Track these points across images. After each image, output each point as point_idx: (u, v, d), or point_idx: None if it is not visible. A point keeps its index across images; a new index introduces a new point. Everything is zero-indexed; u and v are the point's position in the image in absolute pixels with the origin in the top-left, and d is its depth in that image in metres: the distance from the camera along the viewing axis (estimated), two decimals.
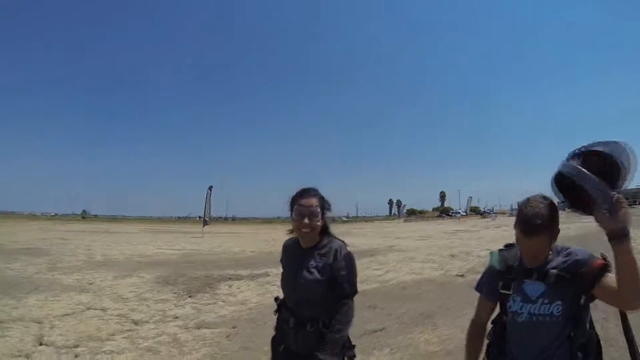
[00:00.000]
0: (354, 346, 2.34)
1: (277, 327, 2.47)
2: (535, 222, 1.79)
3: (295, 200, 2.34)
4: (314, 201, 2.31)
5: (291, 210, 2.35)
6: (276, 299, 2.53)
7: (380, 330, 5.87)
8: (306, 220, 2.26)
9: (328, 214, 2.42)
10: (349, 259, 2.33)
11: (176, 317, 6.73)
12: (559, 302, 1.83)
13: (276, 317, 2.50)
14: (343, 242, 2.41)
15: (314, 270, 2.28)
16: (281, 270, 2.52)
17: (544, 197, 1.90)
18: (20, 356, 4.96)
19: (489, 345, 2.20)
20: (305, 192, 2.35)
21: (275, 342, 2.45)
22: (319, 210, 2.30)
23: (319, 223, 2.31)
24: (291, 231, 2.47)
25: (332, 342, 2.15)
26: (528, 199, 1.91)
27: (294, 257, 2.40)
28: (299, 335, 2.27)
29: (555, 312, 1.84)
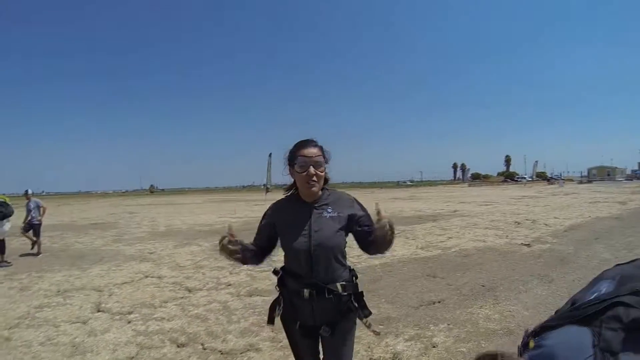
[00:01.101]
0: (370, 312, 2.19)
1: (285, 303, 2.21)
2: None
3: (295, 153, 2.15)
4: (316, 150, 2.14)
5: (291, 164, 2.17)
6: (276, 271, 2.27)
7: (439, 302, 5.59)
8: (312, 170, 2.09)
9: (327, 168, 2.23)
10: (359, 202, 2.28)
11: (229, 285, 6.77)
12: None
13: (279, 291, 2.26)
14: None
15: (329, 220, 2.13)
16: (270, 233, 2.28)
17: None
18: (77, 322, 5.14)
19: None
20: (305, 143, 2.16)
21: (287, 320, 2.24)
22: (322, 159, 2.15)
23: (323, 173, 2.16)
24: (291, 188, 2.29)
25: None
26: None
27: (298, 213, 2.17)
28: (318, 306, 2.09)
29: None
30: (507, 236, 11.23)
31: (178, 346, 4.33)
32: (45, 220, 11.71)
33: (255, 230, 2.32)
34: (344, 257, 2.19)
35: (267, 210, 2.32)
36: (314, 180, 2.11)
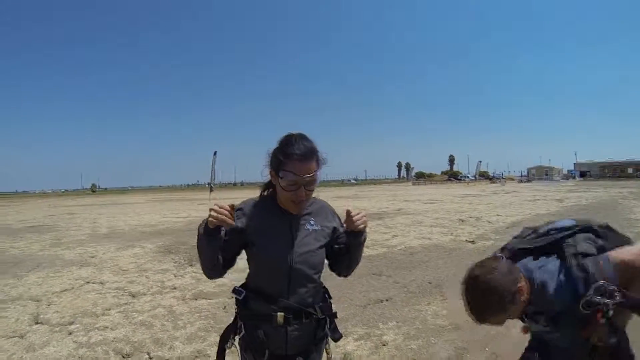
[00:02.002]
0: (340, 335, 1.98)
1: (248, 330, 1.82)
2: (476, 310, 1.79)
3: (287, 163, 1.71)
4: (313, 165, 1.74)
5: (277, 170, 1.75)
6: (237, 290, 1.86)
7: (386, 300, 5.68)
8: (302, 193, 1.74)
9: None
10: (338, 216, 2.02)
11: (174, 288, 6.61)
12: None
13: (238, 314, 1.88)
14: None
15: (313, 234, 1.85)
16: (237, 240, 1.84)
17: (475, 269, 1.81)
18: (14, 336, 4.83)
19: None
20: (302, 155, 1.71)
21: (250, 350, 1.84)
22: (318, 175, 1.78)
23: (313, 190, 1.81)
24: (267, 188, 1.92)
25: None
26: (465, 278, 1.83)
27: (276, 221, 1.82)
28: (292, 333, 1.78)
29: None
30: (452, 233, 11.56)
31: (123, 357, 4.18)
32: None
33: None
34: (320, 276, 1.91)
35: (237, 209, 1.84)
36: (301, 201, 1.78)
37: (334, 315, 1.94)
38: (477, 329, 4.43)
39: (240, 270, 2.08)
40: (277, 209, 1.84)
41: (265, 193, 1.93)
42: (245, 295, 1.83)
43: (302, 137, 1.76)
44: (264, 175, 1.88)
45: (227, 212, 1.64)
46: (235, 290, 1.87)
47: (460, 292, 1.80)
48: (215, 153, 25.82)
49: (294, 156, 1.69)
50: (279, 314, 1.75)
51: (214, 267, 1.81)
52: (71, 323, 5.18)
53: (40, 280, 7.61)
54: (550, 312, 1.74)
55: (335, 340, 1.94)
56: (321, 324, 1.86)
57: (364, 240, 1.90)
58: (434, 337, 4.34)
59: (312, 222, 1.87)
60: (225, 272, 1.88)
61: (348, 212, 1.80)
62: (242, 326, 1.84)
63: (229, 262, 1.87)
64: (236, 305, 1.88)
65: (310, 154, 1.73)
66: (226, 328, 1.94)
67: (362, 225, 1.81)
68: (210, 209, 1.66)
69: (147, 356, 4.17)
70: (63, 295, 6.53)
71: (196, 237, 1.75)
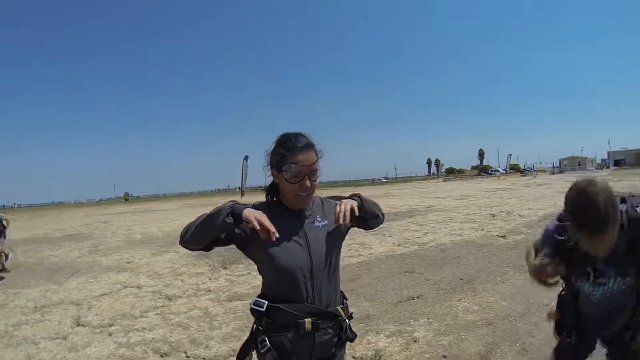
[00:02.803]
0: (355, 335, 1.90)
1: (273, 343, 1.70)
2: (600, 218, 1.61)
3: (289, 156, 1.72)
4: (314, 155, 1.75)
5: (278, 166, 1.75)
6: (258, 303, 1.73)
7: (418, 297, 5.69)
8: (307, 183, 1.72)
9: None
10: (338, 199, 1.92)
11: (209, 291, 6.76)
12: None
13: (261, 326, 1.75)
14: None
15: (324, 231, 1.81)
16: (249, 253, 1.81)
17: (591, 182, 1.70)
18: (57, 338, 5.07)
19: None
20: (299, 144, 1.74)
21: None
22: (319, 165, 1.78)
23: (317, 181, 1.79)
24: (271, 191, 1.87)
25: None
26: (580, 190, 1.71)
27: (286, 222, 1.74)
28: (319, 339, 1.72)
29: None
30: (482, 229, 11.42)
31: (161, 356, 4.33)
32: (18, 234, 11.49)
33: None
34: (339, 274, 1.88)
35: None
36: (307, 192, 1.75)
37: (351, 316, 1.89)
38: (508, 324, 4.45)
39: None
40: (284, 210, 1.79)
41: (269, 197, 1.89)
42: (267, 307, 1.72)
43: (298, 133, 1.80)
44: (268, 176, 1.86)
45: (269, 228, 1.61)
46: (256, 303, 1.75)
47: (573, 207, 1.74)
48: (246, 158, 26.01)
49: (295, 148, 1.72)
50: (306, 319, 1.68)
51: (200, 242, 1.73)
52: (111, 325, 5.39)
53: (80, 286, 7.89)
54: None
55: (351, 340, 1.88)
56: (344, 326, 1.81)
57: (366, 212, 1.88)
58: (464, 332, 4.35)
59: (319, 219, 1.83)
60: (198, 251, 1.82)
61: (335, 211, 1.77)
62: (266, 340, 1.71)
63: (209, 247, 1.77)
64: (256, 318, 1.77)
65: (310, 145, 1.76)
66: (243, 345, 1.86)
67: (341, 221, 1.73)
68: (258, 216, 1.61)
69: (184, 355, 4.30)
70: (102, 299, 6.76)
71: (212, 210, 1.70)
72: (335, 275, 1.82)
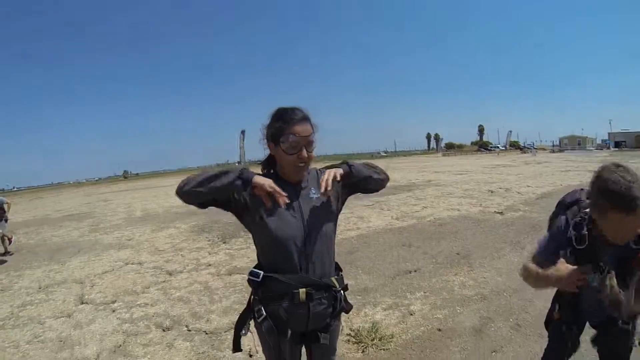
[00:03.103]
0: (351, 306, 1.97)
1: (269, 312, 1.77)
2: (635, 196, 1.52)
3: (282, 128, 1.76)
4: (309, 127, 1.79)
5: (275, 141, 1.79)
6: (254, 273, 1.80)
7: (415, 271, 5.77)
8: (305, 153, 1.76)
9: None
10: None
11: (209, 265, 6.86)
12: None
13: (257, 296, 1.82)
14: None
15: (318, 203, 1.84)
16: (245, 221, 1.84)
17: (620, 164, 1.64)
18: (62, 316, 5.16)
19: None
20: (295, 116, 1.78)
21: (272, 333, 1.78)
22: (314, 137, 1.82)
23: (313, 152, 1.82)
24: (268, 164, 1.93)
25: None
26: (613, 168, 1.63)
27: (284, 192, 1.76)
28: (314, 308, 1.77)
29: None
30: (480, 205, 11.46)
31: (163, 330, 4.43)
32: (19, 216, 11.52)
33: None
34: (334, 245, 1.93)
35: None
36: (304, 163, 1.79)
37: (346, 287, 1.94)
38: (502, 299, 4.54)
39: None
40: (281, 182, 1.78)
41: (265, 171, 1.94)
42: (263, 277, 1.78)
43: (294, 107, 1.83)
44: (265, 149, 1.90)
45: (281, 193, 1.71)
46: (252, 273, 1.80)
47: (605, 186, 1.61)
48: (243, 132, 25.98)
49: (293, 120, 1.76)
50: (300, 290, 1.73)
51: (200, 196, 1.71)
52: (114, 302, 5.49)
53: (82, 264, 7.98)
54: None
55: (347, 312, 1.95)
56: (339, 297, 1.85)
57: (358, 176, 1.90)
58: (459, 307, 4.44)
59: (313, 191, 1.86)
60: (191, 204, 1.78)
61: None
62: (262, 309, 1.78)
63: (204, 205, 1.78)
64: (253, 288, 1.84)
65: (306, 117, 1.80)
66: (240, 315, 1.91)
67: (323, 189, 1.77)
68: (271, 186, 1.71)
69: (185, 329, 4.41)
70: (104, 276, 6.86)
71: (220, 169, 1.73)
72: (329, 246, 1.86)
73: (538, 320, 3.93)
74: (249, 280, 1.82)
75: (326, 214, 1.86)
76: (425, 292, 4.94)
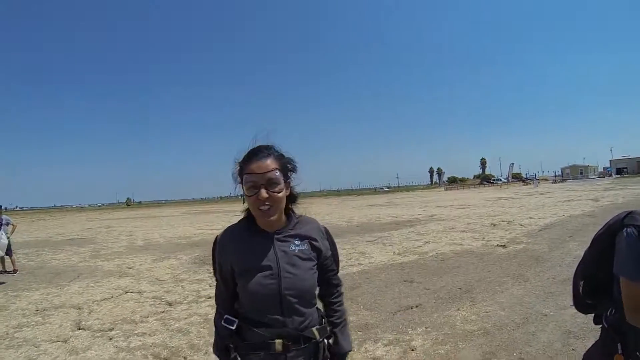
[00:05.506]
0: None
1: (244, 358, 1.66)
2: None
3: (243, 168, 1.63)
4: (269, 163, 1.60)
5: (241, 182, 1.65)
6: (229, 320, 1.68)
7: (416, 306, 5.71)
8: (263, 194, 1.57)
9: (294, 178, 1.74)
10: (330, 235, 1.86)
11: (209, 297, 6.78)
12: None
13: (231, 343, 1.69)
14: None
15: (299, 256, 1.68)
16: (223, 273, 1.72)
17: None
18: (58, 341, 5.11)
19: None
20: (254, 154, 1.63)
21: None
22: (278, 174, 1.60)
23: (281, 193, 1.62)
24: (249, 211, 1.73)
25: (346, 339, 1.80)
26: None
27: (257, 247, 1.66)
28: (292, 359, 1.65)
29: None
30: (483, 238, 11.45)
31: None
32: (20, 237, 11.57)
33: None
34: (315, 298, 1.79)
35: (215, 245, 1.76)
36: (268, 205, 1.60)
37: (330, 336, 1.80)
38: (505, 333, 4.48)
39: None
40: (256, 232, 1.68)
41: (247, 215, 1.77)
42: (238, 325, 1.67)
43: (260, 145, 1.68)
44: (239, 195, 1.74)
45: None
46: (226, 320, 1.69)
47: None
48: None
49: (250, 158, 1.62)
50: (277, 341, 1.61)
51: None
52: (111, 329, 5.42)
53: (81, 290, 7.93)
54: None
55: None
56: (320, 347, 1.71)
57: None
58: (462, 342, 4.37)
59: (297, 243, 1.70)
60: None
61: None
62: (237, 357, 1.66)
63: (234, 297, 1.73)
64: (227, 335, 1.71)
65: (263, 152, 1.63)
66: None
67: None
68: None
69: None
70: (103, 303, 6.80)
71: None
72: (310, 299, 1.72)
73: (542, 354, 3.90)
74: (222, 325, 1.71)
75: (304, 266, 1.69)
76: (426, 328, 4.86)
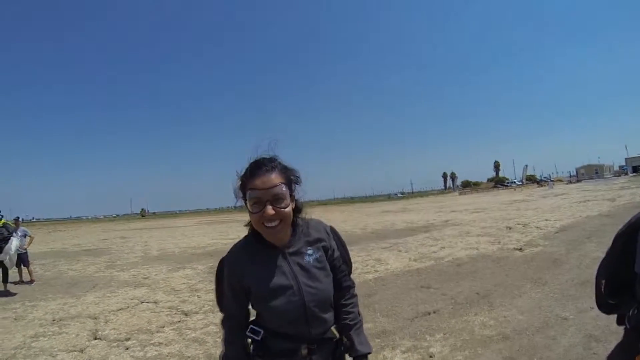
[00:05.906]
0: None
1: None
2: None
3: (246, 183, 1.56)
4: (274, 177, 1.53)
5: (244, 197, 1.58)
6: (253, 330, 1.63)
7: (434, 312, 5.65)
8: (270, 210, 1.51)
9: (298, 190, 1.67)
10: (337, 234, 1.82)
11: None
12: None
13: (256, 353, 1.64)
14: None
15: (316, 264, 1.65)
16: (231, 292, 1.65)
17: None
18: (74, 350, 5.13)
19: None
20: (257, 168, 1.55)
21: None
22: (285, 189, 1.54)
23: (287, 208, 1.55)
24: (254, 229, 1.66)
25: (363, 340, 1.74)
26: None
27: (270, 264, 1.60)
28: (317, 359, 1.64)
29: None
30: (499, 242, 11.33)
31: None
32: (37, 248, 11.67)
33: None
34: (332, 299, 1.74)
35: (223, 269, 1.69)
36: (274, 221, 1.53)
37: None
38: (525, 338, 4.40)
39: None
40: (265, 248, 1.62)
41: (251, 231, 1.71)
42: (263, 335, 1.63)
43: (264, 157, 1.62)
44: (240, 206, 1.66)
45: None
46: (252, 330, 1.65)
47: None
48: None
49: (253, 173, 1.55)
50: (302, 346, 1.59)
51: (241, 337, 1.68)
52: (128, 339, 5.43)
53: (98, 300, 7.97)
54: None
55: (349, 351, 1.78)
56: (338, 344, 1.73)
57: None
58: (481, 347, 4.30)
59: (309, 252, 1.66)
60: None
61: None
62: None
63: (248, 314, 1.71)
64: (251, 344, 1.66)
65: (265, 166, 1.56)
66: None
67: None
68: None
69: None
70: (119, 313, 6.82)
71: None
72: (329, 304, 1.71)
73: (563, 358, 3.81)
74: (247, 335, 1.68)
75: (322, 275, 1.67)
76: (444, 334, 4.79)
